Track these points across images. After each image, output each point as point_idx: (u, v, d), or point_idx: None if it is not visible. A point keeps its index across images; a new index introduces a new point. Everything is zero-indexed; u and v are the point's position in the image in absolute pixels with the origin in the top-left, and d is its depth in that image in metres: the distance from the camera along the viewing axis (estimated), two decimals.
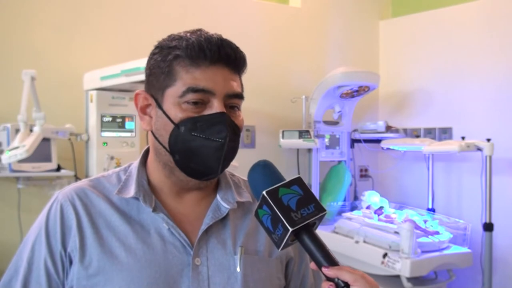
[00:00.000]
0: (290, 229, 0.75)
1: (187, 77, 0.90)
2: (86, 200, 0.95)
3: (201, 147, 0.89)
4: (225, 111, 0.90)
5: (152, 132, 0.95)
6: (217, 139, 0.89)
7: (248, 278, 0.94)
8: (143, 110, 0.97)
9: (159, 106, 0.92)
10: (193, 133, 0.89)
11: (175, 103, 0.90)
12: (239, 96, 0.94)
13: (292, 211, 0.77)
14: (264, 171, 0.85)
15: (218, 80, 0.90)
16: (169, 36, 0.95)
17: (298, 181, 0.81)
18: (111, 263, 0.89)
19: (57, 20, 3.02)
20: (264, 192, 0.78)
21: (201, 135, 0.89)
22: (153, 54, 0.95)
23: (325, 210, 0.79)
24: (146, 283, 0.88)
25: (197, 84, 0.89)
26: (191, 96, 0.89)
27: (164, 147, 0.93)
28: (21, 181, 2.75)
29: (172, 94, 0.91)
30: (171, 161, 0.93)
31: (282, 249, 0.79)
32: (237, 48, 0.94)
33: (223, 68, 0.91)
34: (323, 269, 0.77)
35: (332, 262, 0.78)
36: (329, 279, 0.77)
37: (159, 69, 0.92)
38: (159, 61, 0.93)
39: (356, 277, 0.76)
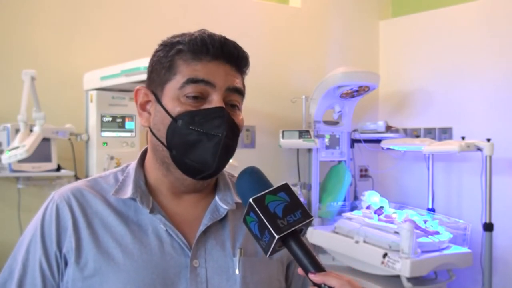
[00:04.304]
0: (276, 237, 0.75)
1: (187, 69, 0.89)
2: (82, 200, 0.93)
3: (197, 142, 0.88)
4: (224, 106, 0.89)
5: (150, 128, 0.94)
6: (214, 134, 0.88)
7: (247, 280, 0.92)
8: (143, 107, 0.96)
9: (158, 101, 0.92)
10: (190, 127, 0.88)
11: (174, 97, 0.89)
12: (240, 92, 0.93)
13: (279, 218, 0.76)
14: (251, 178, 0.84)
15: (219, 74, 0.90)
16: (173, 35, 0.95)
17: (285, 188, 0.80)
18: (107, 263, 0.88)
19: (57, 20, 3.02)
20: (250, 200, 0.78)
21: (198, 129, 0.88)
22: (156, 51, 0.95)
23: (311, 217, 0.79)
24: (143, 284, 0.87)
25: (197, 76, 0.88)
26: (190, 89, 0.88)
27: (161, 142, 0.91)
28: (21, 181, 2.75)
29: (171, 88, 0.90)
30: (167, 157, 0.91)
31: (270, 255, 0.78)
32: (240, 47, 0.93)
33: (225, 64, 0.91)
34: (310, 275, 0.76)
35: (318, 268, 0.77)
36: (316, 284, 0.77)
37: (161, 64, 0.92)
38: (161, 57, 0.92)
39: (342, 282, 0.75)
